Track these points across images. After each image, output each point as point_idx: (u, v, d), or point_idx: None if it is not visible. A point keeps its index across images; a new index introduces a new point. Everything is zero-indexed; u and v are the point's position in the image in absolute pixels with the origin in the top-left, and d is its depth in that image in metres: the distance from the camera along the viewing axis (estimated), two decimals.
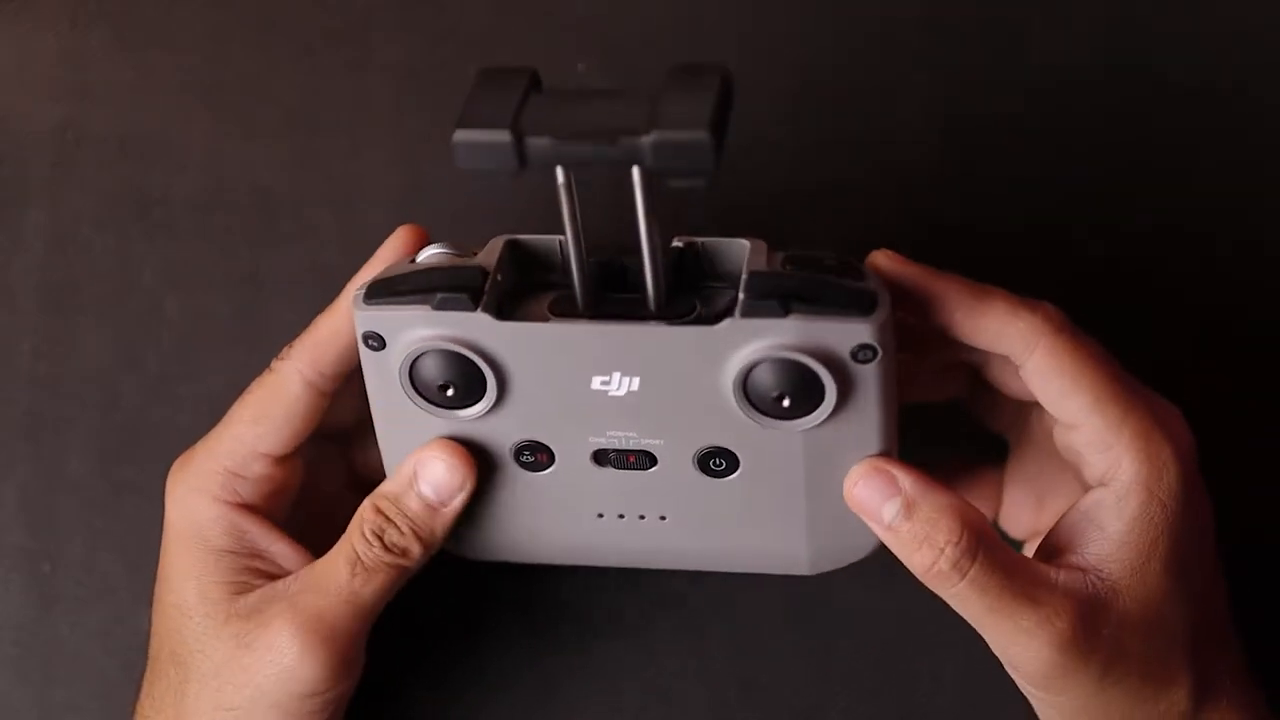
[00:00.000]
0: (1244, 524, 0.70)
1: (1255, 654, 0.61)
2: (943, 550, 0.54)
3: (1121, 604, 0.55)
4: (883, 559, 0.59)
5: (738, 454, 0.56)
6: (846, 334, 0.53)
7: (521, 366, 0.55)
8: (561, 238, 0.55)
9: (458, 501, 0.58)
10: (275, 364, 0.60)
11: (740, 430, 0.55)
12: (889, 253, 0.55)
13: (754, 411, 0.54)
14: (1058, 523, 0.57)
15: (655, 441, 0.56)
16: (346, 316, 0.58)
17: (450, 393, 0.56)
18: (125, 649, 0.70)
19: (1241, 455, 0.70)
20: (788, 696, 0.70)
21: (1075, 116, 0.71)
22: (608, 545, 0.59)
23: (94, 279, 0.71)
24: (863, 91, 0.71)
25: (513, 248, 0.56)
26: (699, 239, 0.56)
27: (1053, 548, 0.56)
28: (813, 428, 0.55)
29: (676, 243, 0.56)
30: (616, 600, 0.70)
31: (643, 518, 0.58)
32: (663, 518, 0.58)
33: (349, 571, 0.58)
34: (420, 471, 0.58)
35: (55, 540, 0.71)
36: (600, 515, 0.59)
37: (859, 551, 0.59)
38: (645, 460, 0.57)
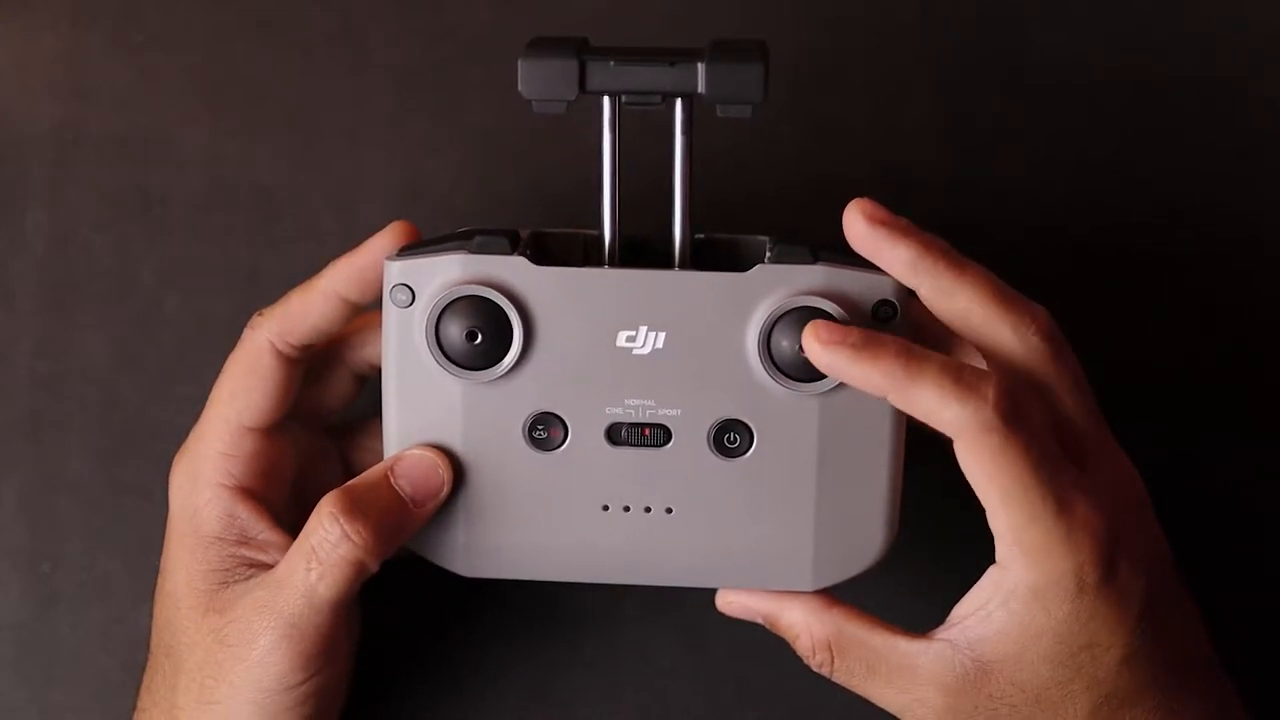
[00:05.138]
0: (1245, 520, 0.70)
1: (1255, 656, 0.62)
2: (809, 656, 0.59)
3: (995, 685, 0.56)
4: (882, 559, 0.59)
5: (753, 428, 0.57)
6: (871, 286, 0.56)
7: (550, 317, 0.57)
8: (587, 232, 0.60)
9: (430, 506, 0.59)
10: (246, 333, 0.61)
11: (759, 398, 0.57)
12: (828, 322, 0.55)
13: (775, 371, 0.57)
14: (970, 590, 0.57)
15: (672, 412, 0.57)
16: (320, 294, 0.60)
17: (477, 341, 0.56)
18: (125, 649, 0.70)
19: (1242, 452, 0.70)
20: (785, 696, 0.70)
21: (1075, 115, 0.71)
22: (610, 546, 0.59)
23: (94, 279, 0.71)
24: (863, 91, 0.71)
25: (538, 236, 0.59)
26: (721, 235, 0.59)
27: (956, 610, 0.57)
28: (829, 391, 0.57)
29: (700, 235, 0.59)
30: (613, 599, 0.70)
31: (649, 510, 0.58)
32: (669, 510, 0.58)
33: (304, 567, 0.58)
34: (400, 467, 0.59)
35: (55, 540, 0.71)
36: (606, 508, 0.59)
37: (863, 560, 0.59)
38: (660, 435, 0.57)
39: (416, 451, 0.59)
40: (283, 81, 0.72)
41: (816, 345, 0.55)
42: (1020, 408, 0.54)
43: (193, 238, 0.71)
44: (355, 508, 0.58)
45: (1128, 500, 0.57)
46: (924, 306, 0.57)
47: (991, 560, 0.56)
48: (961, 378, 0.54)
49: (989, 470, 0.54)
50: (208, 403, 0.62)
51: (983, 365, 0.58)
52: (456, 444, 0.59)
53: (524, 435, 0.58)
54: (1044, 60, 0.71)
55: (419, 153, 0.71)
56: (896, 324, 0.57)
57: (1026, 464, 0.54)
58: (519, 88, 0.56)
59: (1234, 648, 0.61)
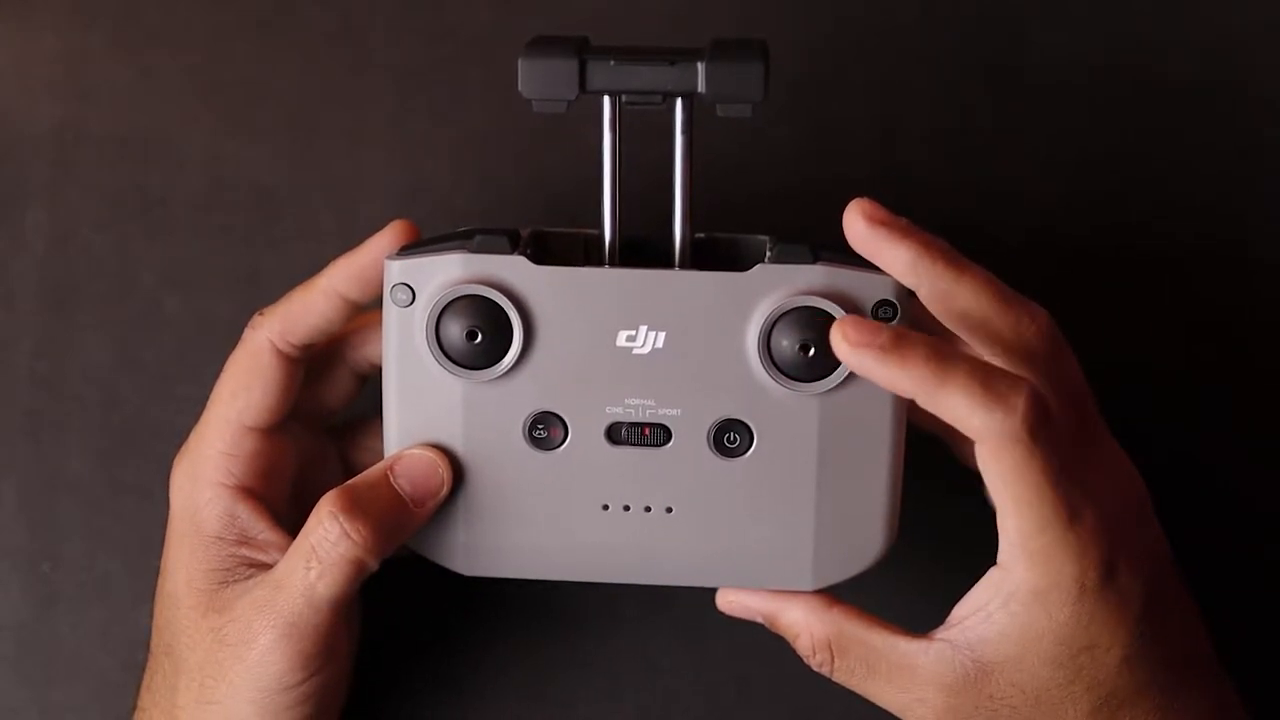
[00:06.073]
0: (1245, 520, 0.70)
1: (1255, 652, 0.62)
2: (809, 655, 0.59)
3: (995, 685, 0.56)
4: (882, 559, 0.59)
5: (753, 428, 0.58)
6: (871, 286, 0.56)
7: (550, 317, 0.57)
8: (587, 231, 0.60)
9: (430, 505, 0.59)
10: (247, 333, 0.61)
11: (758, 398, 0.57)
12: (857, 319, 0.55)
13: (775, 371, 0.57)
14: (971, 590, 0.57)
15: (673, 411, 0.57)
16: (320, 293, 0.60)
17: (476, 341, 0.57)
18: (125, 649, 0.70)
19: (1242, 452, 0.70)
20: (785, 696, 0.70)
21: (1075, 115, 0.71)
22: (610, 545, 0.59)
23: (94, 279, 0.71)
24: (863, 91, 0.71)
25: (538, 235, 0.59)
26: (721, 234, 0.60)
27: (956, 611, 0.57)
28: (829, 391, 0.57)
29: (700, 235, 0.59)
30: (614, 598, 0.70)
31: (649, 510, 0.59)
32: (669, 510, 0.58)
33: (304, 566, 0.58)
34: (399, 466, 0.59)
35: (55, 540, 0.71)
36: (606, 507, 0.59)
37: (863, 560, 0.59)
38: (660, 435, 0.58)
39: (416, 451, 0.59)
40: (283, 81, 0.72)
41: (845, 345, 0.53)
42: (1048, 419, 0.53)
43: (193, 238, 0.71)
44: (355, 506, 0.58)
45: (1128, 500, 0.57)
46: (924, 306, 0.57)
47: (992, 560, 0.56)
48: (990, 384, 0.53)
49: (1008, 479, 0.54)
50: (208, 402, 0.62)
51: None
52: (456, 443, 0.59)
53: (524, 434, 0.58)
54: (1044, 60, 0.71)
55: (419, 153, 0.71)
56: (897, 324, 0.57)
57: (1046, 477, 0.53)
58: (519, 87, 0.56)
59: (1234, 648, 0.61)
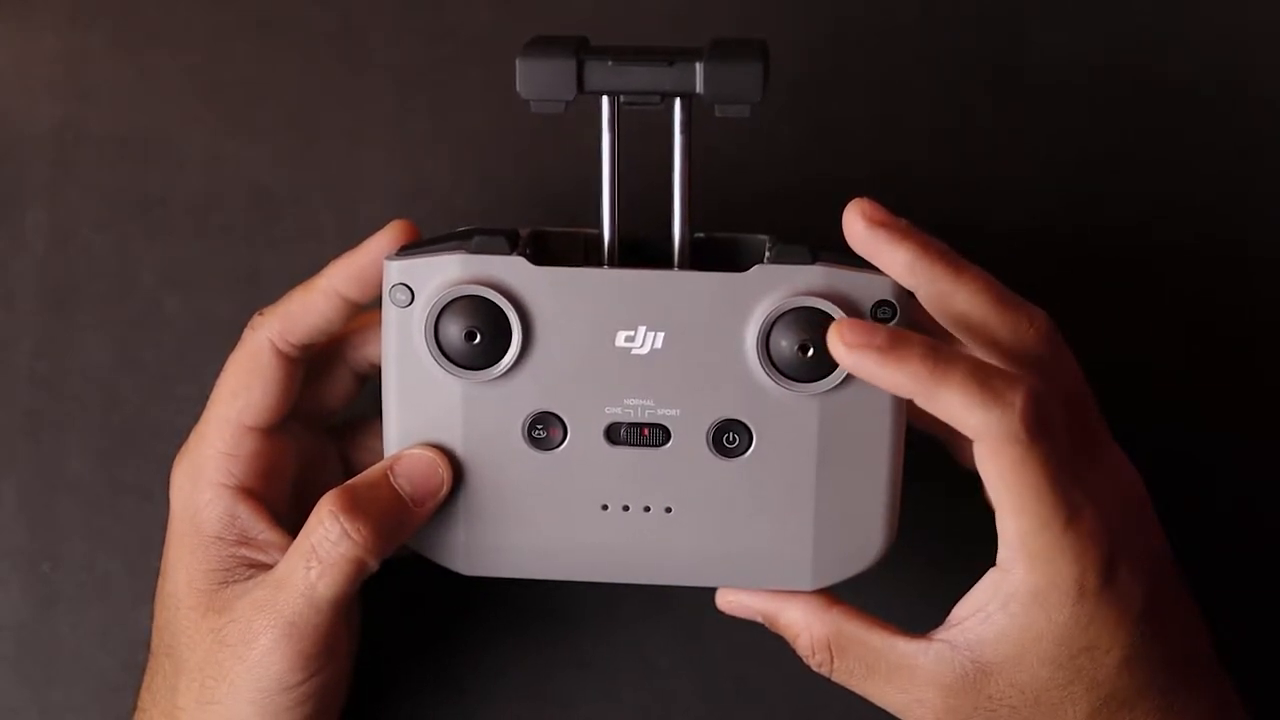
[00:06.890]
0: (1245, 520, 0.70)
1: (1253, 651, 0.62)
2: (809, 655, 0.59)
3: (994, 686, 0.56)
4: (882, 559, 0.59)
5: (752, 428, 0.58)
6: (870, 287, 0.56)
7: (549, 317, 0.57)
8: (587, 231, 0.60)
9: (430, 505, 0.59)
10: (247, 333, 0.62)
11: (758, 399, 0.57)
12: (853, 321, 0.55)
13: (774, 371, 0.57)
14: (970, 591, 0.57)
15: (671, 412, 0.58)
16: (320, 293, 0.61)
17: (475, 341, 0.57)
18: (125, 649, 0.70)
19: (1242, 452, 0.70)
20: (785, 696, 0.70)
21: (1075, 115, 0.71)
22: (609, 545, 0.59)
23: (94, 279, 0.71)
24: (863, 91, 0.71)
25: (538, 235, 0.60)
26: (721, 234, 0.60)
27: (955, 611, 0.57)
28: (828, 391, 0.57)
29: (699, 234, 0.60)
30: (613, 598, 0.70)
31: (648, 510, 0.59)
32: (669, 510, 0.59)
33: (304, 566, 0.58)
34: (399, 466, 0.59)
35: (55, 540, 0.71)
36: (605, 507, 0.59)
37: (863, 560, 0.59)
38: (659, 435, 0.58)
39: (416, 450, 0.59)
40: (283, 81, 0.72)
41: (842, 347, 0.54)
42: (1046, 417, 0.53)
43: (193, 238, 0.71)
44: (355, 506, 0.58)
45: (1128, 502, 0.57)
46: (923, 307, 0.57)
47: (992, 560, 0.56)
48: (988, 383, 0.53)
49: (1007, 479, 0.54)
50: (209, 402, 0.62)
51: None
52: (456, 443, 0.59)
53: (523, 435, 0.58)
54: (1044, 60, 0.71)
55: (419, 153, 0.71)
56: (895, 324, 0.57)
57: (1044, 476, 0.53)
58: (517, 88, 0.56)
59: (1234, 648, 0.61)
